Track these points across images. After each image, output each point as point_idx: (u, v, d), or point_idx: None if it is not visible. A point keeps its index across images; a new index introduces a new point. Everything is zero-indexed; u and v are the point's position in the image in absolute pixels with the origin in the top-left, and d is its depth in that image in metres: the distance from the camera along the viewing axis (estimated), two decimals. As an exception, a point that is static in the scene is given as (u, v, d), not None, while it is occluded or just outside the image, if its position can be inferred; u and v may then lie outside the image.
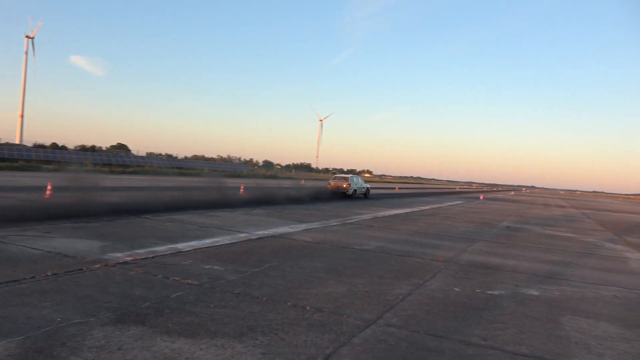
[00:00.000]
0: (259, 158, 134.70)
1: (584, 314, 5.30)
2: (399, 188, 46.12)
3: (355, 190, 26.02)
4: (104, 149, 73.34)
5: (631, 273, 8.43)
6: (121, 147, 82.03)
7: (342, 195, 25.16)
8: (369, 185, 29.11)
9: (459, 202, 33.07)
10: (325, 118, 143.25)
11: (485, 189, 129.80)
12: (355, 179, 26.59)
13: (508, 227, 15.45)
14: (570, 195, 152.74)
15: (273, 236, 9.40)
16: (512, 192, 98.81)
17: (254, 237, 9.01)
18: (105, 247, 7.02)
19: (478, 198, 43.19)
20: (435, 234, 12.02)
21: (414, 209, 21.01)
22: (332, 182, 25.92)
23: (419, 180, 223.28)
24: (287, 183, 24.88)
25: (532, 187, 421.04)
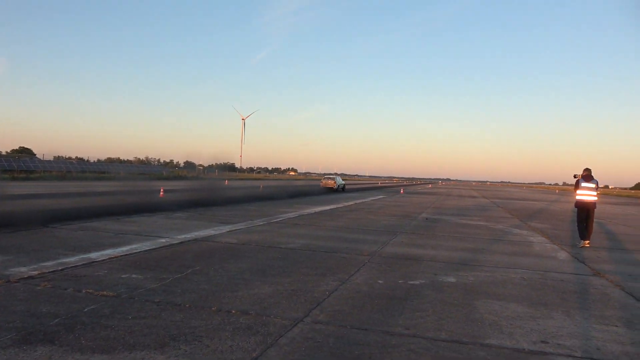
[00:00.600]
0: (180, 159, 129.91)
1: (495, 297, 5.69)
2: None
3: (339, 185, 38.20)
4: (3, 153, 67.00)
5: (535, 256, 9.19)
6: (24, 151, 75.40)
7: (330, 190, 36.34)
8: (344, 183, 42.35)
9: (382, 196, 34.19)
10: (248, 116, 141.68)
11: (405, 183, 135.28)
12: (338, 179, 38.74)
13: (427, 219, 16.22)
14: (482, 186, 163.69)
15: (196, 240, 9.13)
16: (430, 185, 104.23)
17: (175, 242, 8.69)
18: (7, 262, 6.40)
19: (399, 192, 44.92)
20: (360, 229, 12.31)
21: (339, 205, 21.39)
22: (323, 181, 38.30)
23: (343, 176, 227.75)
24: (212, 184, 24.25)
25: (448, 179, 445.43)
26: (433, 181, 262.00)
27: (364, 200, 26.92)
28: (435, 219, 16.60)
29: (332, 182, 38.09)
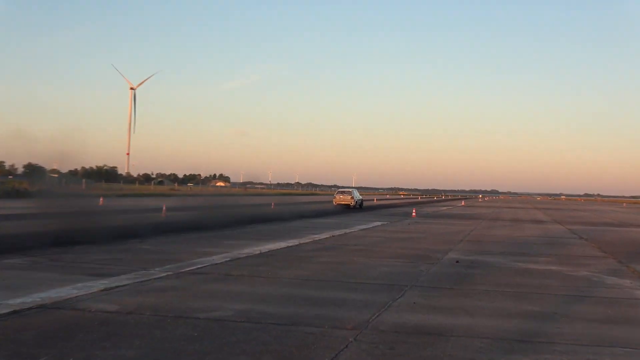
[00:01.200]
0: (17, 162, 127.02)
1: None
2: (275, 206, 46.63)
3: (357, 202, 54.76)
4: None
5: (645, 323, 9.31)
6: None
7: (346, 208, 52.13)
8: (362, 197, 59.65)
9: (379, 223, 34.38)
10: (140, 84, 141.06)
11: (420, 198, 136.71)
12: (355, 193, 56.60)
13: (457, 262, 16.30)
14: (552, 202, 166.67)
15: (43, 307, 8.90)
16: (463, 203, 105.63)
17: (3, 312, 8.44)
18: None
19: (409, 215, 45.19)
20: (340, 282, 12.28)
21: (304, 240, 21.31)
22: (336, 197, 55.39)
23: (309, 190, 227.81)
24: (76, 205, 23.80)
25: (494, 192, 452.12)
26: (469, 195, 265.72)
27: (348, 231, 26.94)
28: (472, 261, 16.72)
29: (349, 197, 54.76)
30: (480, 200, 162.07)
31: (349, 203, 53.28)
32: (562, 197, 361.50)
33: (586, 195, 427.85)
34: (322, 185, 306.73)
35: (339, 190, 59.38)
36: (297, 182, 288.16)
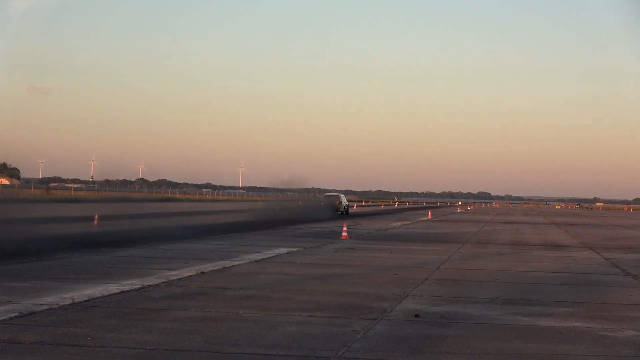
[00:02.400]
0: None
1: None
2: (100, 220, 46.36)
3: (344, 207, 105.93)
4: None
5: None
6: None
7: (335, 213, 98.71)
8: (348, 204, 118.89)
9: (284, 249, 34.62)
10: None
11: (356, 207, 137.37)
12: (343, 198, 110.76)
13: (417, 316, 16.39)
14: (581, 213, 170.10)
15: None
16: (431, 214, 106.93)
17: None
18: None
19: (337, 235, 45.70)
20: (212, 352, 12.11)
21: (151, 280, 21.20)
22: (324, 202, 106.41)
23: (162, 192, 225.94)
24: None
25: (483, 197, 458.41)
26: (440, 202, 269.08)
27: (227, 264, 26.95)
28: (442, 314, 16.84)
29: (338, 202, 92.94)
30: (459, 209, 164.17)
31: (338, 208, 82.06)
32: (598, 204, 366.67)
33: (637, 200, 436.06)
34: (184, 184, 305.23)
35: (326, 194, 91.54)
36: (141, 179, 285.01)
